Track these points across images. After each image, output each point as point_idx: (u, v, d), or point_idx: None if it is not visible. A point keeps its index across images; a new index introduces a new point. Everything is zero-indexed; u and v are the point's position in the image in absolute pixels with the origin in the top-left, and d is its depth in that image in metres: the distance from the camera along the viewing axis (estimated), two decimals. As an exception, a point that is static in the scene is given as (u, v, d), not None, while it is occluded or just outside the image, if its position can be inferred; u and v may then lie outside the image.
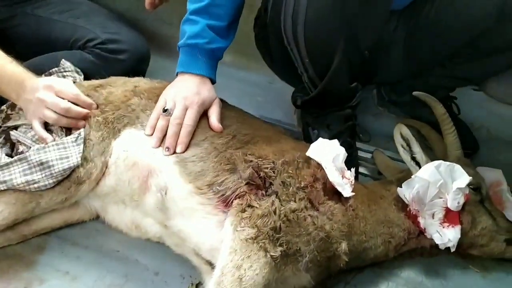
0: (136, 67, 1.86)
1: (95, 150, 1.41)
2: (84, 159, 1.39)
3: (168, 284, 1.43)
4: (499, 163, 1.74)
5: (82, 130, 1.41)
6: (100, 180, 1.43)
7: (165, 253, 1.48)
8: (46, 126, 1.43)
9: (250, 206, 1.26)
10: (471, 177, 1.43)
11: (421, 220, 1.44)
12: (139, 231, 1.49)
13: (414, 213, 1.45)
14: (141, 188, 1.40)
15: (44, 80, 1.44)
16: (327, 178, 1.35)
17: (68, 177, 1.37)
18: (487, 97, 1.98)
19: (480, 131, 2.06)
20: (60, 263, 1.46)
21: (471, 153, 1.85)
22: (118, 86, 1.55)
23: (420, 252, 1.50)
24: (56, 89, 1.42)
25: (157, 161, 1.39)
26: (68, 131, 1.43)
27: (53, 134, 1.41)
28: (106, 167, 1.43)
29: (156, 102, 1.49)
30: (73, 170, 1.37)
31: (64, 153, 1.36)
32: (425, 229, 1.44)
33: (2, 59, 1.48)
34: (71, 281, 1.42)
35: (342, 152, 1.40)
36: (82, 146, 1.39)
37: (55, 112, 1.40)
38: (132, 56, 1.88)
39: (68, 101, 1.42)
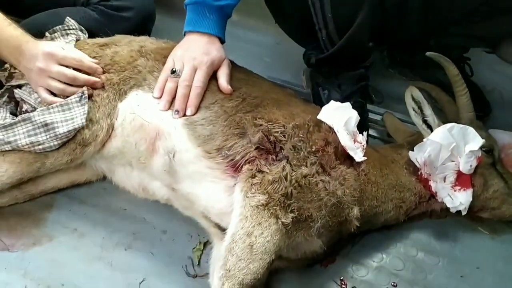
0: (141, 26, 1.81)
1: (100, 111, 1.39)
2: (90, 121, 1.37)
3: (176, 242, 1.45)
4: (511, 126, 1.72)
5: (85, 89, 1.38)
6: (106, 142, 1.42)
7: (173, 213, 1.48)
8: None
9: (260, 171, 1.24)
10: (484, 140, 1.41)
11: (432, 184, 1.44)
12: (147, 193, 1.49)
13: (425, 177, 1.44)
14: (149, 150, 1.39)
15: (43, 46, 1.38)
16: (339, 142, 1.33)
17: (73, 139, 1.36)
18: (500, 60, 1.92)
19: (493, 94, 2.02)
20: (68, 221, 1.48)
21: (483, 116, 1.82)
22: (124, 46, 1.51)
23: (430, 214, 1.50)
24: (58, 56, 1.37)
25: (165, 124, 1.37)
26: None
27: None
28: (113, 129, 1.41)
29: (163, 63, 1.45)
30: (78, 131, 1.35)
31: (68, 114, 1.34)
32: (436, 192, 1.44)
33: (0, 21, 1.41)
34: (79, 238, 1.44)
35: (354, 115, 1.37)
36: (86, 106, 1.36)
37: (60, 81, 1.36)
38: (138, 14, 1.82)
39: (73, 68, 1.38)
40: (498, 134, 1.60)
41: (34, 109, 1.37)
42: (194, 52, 1.43)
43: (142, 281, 1.35)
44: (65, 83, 1.37)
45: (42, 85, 1.37)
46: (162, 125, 1.37)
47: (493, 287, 1.40)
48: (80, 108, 1.35)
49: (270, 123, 1.32)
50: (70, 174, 1.52)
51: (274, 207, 1.20)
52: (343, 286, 1.37)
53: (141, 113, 1.39)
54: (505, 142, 1.60)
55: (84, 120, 1.35)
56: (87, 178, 1.56)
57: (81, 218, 1.49)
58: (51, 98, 1.37)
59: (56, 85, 1.36)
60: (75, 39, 1.53)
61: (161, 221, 1.49)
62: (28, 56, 1.36)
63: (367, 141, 1.54)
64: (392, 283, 1.39)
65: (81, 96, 1.36)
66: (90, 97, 1.38)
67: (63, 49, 1.39)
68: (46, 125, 1.31)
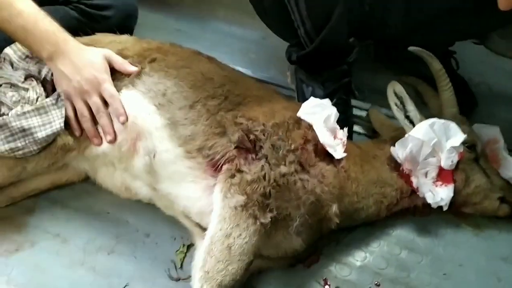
0: (123, 24, 1.79)
1: None
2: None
3: (159, 246, 1.44)
4: (498, 120, 1.70)
5: (60, 91, 1.36)
6: (89, 144, 1.40)
7: (156, 215, 1.47)
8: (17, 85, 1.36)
9: (239, 171, 1.23)
10: (465, 135, 1.40)
11: (413, 180, 1.43)
12: (129, 192, 1.47)
13: (407, 173, 1.44)
14: (130, 151, 1.37)
15: (94, 65, 1.35)
16: (318, 139, 1.32)
17: (55, 143, 1.35)
18: (488, 51, 1.90)
19: (480, 87, 1.99)
20: (50, 226, 1.46)
21: (469, 109, 1.80)
22: (105, 46, 1.48)
23: (413, 211, 1.49)
24: (104, 91, 1.35)
25: (147, 124, 1.35)
26: (47, 90, 1.38)
27: (32, 92, 1.35)
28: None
29: (148, 62, 1.42)
30: (59, 136, 1.34)
31: (46, 118, 1.32)
32: (417, 188, 1.43)
33: (34, 14, 1.35)
34: (61, 243, 1.42)
35: (333, 112, 1.37)
36: (63, 108, 1.34)
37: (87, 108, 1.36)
38: (118, 12, 1.80)
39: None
40: (483, 129, 1.58)
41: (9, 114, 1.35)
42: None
43: (125, 286, 1.33)
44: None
45: (67, 96, 1.35)
46: (144, 125, 1.35)
47: (475, 285, 1.39)
48: (57, 111, 1.34)
49: (250, 121, 1.31)
50: (52, 175, 1.51)
51: (253, 208, 1.19)
52: (326, 286, 1.36)
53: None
54: (490, 137, 1.57)
55: (62, 124, 1.33)
56: (68, 178, 1.54)
57: (63, 223, 1.47)
58: (70, 112, 1.36)
59: (82, 108, 1.35)
60: None
61: (144, 224, 1.48)
62: (67, 61, 1.34)
63: (351, 137, 1.54)
64: (375, 282, 1.38)
65: (57, 98, 1.35)
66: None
67: (112, 90, 1.37)
68: (24, 130, 1.29)
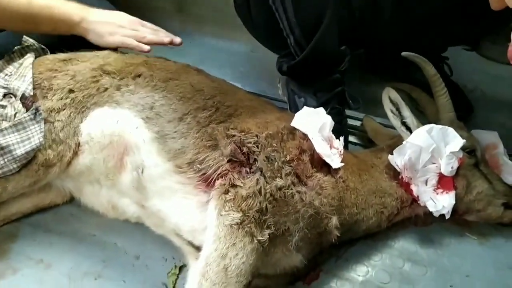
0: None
1: (65, 131, 1.31)
2: (53, 141, 1.29)
3: (149, 268, 1.37)
4: (495, 125, 1.66)
5: (39, 105, 1.30)
6: (72, 160, 1.34)
7: (145, 236, 1.41)
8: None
9: (233, 185, 1.17)
10: (464, 140, 1.36)
11: (414, 188, 1.38)
12: (116, 211, 1.41)
13: (406, 181, 1.39)
14: (116, 166, 1.31)
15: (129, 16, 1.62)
16: (314, 149, 1.26)
17: (35, 160, 1.28)
18: (481, 58, 1.88)
19: (475, 93, 1.98)
20: (33, 251, 1.40)
21: (465, 116, 1.77)
22: (86, 62, 1.42)
23: (414, 221, 1.45)
24: (144, 24, 1.61)
25: (134, 137, 1.29)
26: (26, 105, 1.32)
27: (10, 108, 1.29)
28: (78, 147, 1.33)
29: (132, 78, 1.37)
30: (40, 152, 1.28)
31: (24, 134, 1.26)
32: (418, 196, 1.38)
33: None
34: (45, 269, 1.36)
35: (328, 121, 1.32)
36: (42, 123, 1.29)
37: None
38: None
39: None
40: (481, 134, 1.55)
41: None
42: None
43: (114, 312, 1.27)
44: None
45: (116, 33, 1.54)
46: (131, 139, 1.29)
47: (484, 296, 1.34)
48: (36, 126, 1.28)
49: (243, 133, 1.25)
50: (34, 197, 1.44)
51: (249, 225, 1.13)
52: (327, 303, 1.30)
53: (109, 129, 1.31)
54: (489, 143, 1.54)
55: (42, 139, 1.27)
56: (51, 200, 1.48)
57: (47, 248, 1.40)
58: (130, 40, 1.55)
59: (135, 32, 1.56)
60: (34, 56, 1.46)
61: (133, 246, 1.41)
62: (102, 13, 1.56)
63: (347, 147, 1.49)
64: (379, 297, 1.32)
65: (35, 113, 1.28)
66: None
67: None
68: (2, 148, 1.23)
